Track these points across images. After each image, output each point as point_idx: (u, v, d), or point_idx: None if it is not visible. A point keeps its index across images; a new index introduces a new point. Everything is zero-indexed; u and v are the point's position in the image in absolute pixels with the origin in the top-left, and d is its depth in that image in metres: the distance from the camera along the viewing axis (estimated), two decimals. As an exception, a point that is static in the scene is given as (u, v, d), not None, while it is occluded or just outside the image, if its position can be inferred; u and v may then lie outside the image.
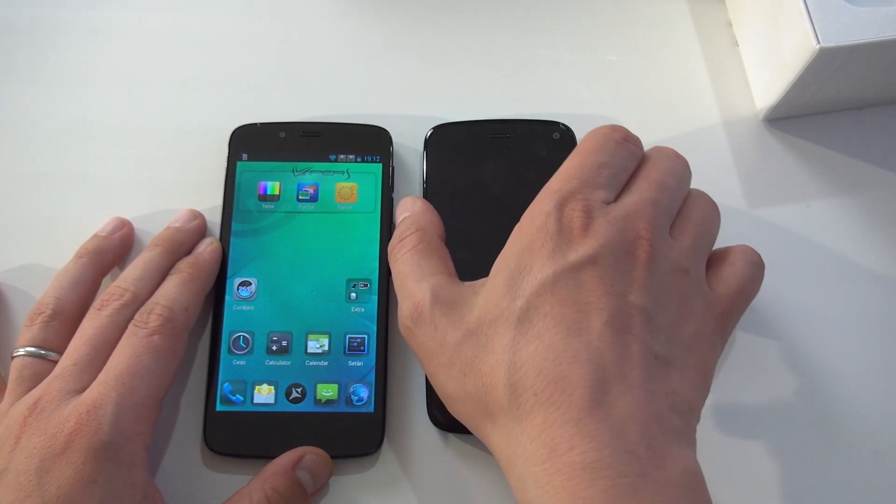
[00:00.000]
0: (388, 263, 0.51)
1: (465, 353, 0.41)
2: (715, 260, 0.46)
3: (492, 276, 0.43)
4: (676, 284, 0.42)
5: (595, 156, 0.45)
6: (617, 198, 0.44)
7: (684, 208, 0.46)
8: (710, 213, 0.47)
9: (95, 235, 0.52)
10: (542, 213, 0.42)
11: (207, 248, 0.51)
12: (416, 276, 0.45)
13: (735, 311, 0.45)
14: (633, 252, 0.41)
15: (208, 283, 0.51)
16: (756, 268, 0.46)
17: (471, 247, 0.52)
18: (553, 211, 0.42)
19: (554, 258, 0.41)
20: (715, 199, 0.54)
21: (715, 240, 0.46)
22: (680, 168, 0.46)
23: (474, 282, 0.44)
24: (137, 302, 0.48)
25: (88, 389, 0.44)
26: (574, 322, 0.39)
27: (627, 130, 0.46)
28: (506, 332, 0.40)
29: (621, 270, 0.41)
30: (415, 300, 0.44)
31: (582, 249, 0.41)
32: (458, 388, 0.41)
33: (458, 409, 0.43)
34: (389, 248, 0.48)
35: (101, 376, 0.44)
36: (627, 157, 0.45)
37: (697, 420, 0.40)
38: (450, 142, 0.55)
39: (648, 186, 0.44)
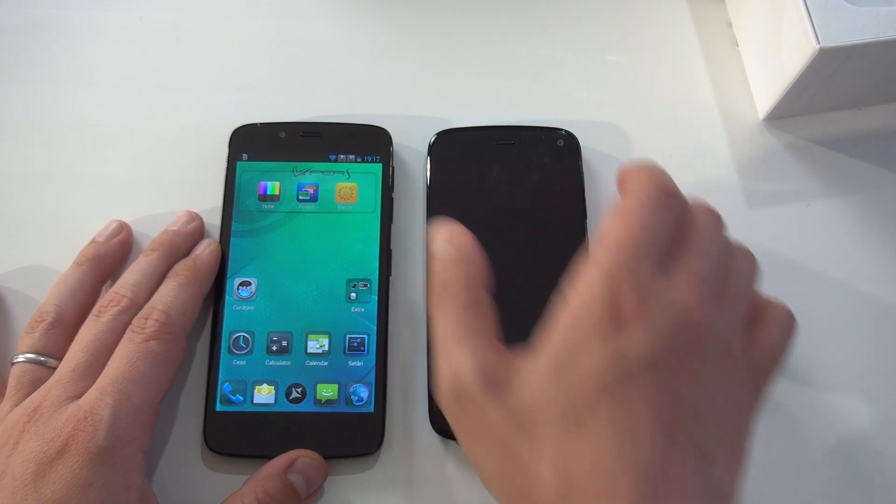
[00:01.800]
0: (388, 263, 0.52)
1: (507, 436, 0.39)
2: (749, 318, 0.43)
3: (539, 358, 0.39)
4: (724, 372, 0.39)
5: (641, 222, 0.40)
6: (663, 266, 0.41)
7: (730, 274, 0.42)
8: (754, 276, 0.44)
9: (94, 241, 0.52)
10: (590, 293, 0.39)
11: (206, 249, 0.51)
12: (459, 336, 0.41)
13: (770, 382, 0.42)
14: (687, 342, 0.38)
15: (206, 285, 0.51)
16: (790, 330, 0.43)
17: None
18: (601, 291, 0.38)
19: (604, 347, 0.37)
20: (715, 200, 0.53)
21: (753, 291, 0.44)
22: (721, 229, 0.43)
23: (518, 352, 0.41)
24: (135, 307, 0.48)
25: (86, 395, 0.44)
26: (622, 419, 0.37)
27: (669, 182, 0.43)
28: (553, 425, 0.38)
29: (674, 363, 0.38)
30: (457, 370, 0.40)
31: (634, 339, 0.37)
32: (496, 470, 0.40)
33: (494, 489, 0.40)
34: (430, 292, 0.44)
35: (98, 382, 0.44)
36: (672, 222, 0.42)
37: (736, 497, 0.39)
38: (453, 148, 0.55)
39: (697, 261, 0.41)
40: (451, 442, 0.50)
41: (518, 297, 0.51)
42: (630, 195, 0.41)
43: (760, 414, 0.41)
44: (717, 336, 0.39)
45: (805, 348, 0.52)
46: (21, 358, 0.47)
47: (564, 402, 0.37)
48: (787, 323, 0.43)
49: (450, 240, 0.43)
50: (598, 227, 0.42)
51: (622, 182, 0.43)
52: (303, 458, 0.47)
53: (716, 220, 0.43)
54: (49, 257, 0.53)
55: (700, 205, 0.44)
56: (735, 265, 0.43)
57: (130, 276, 0.49)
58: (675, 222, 0.42)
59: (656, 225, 0.41)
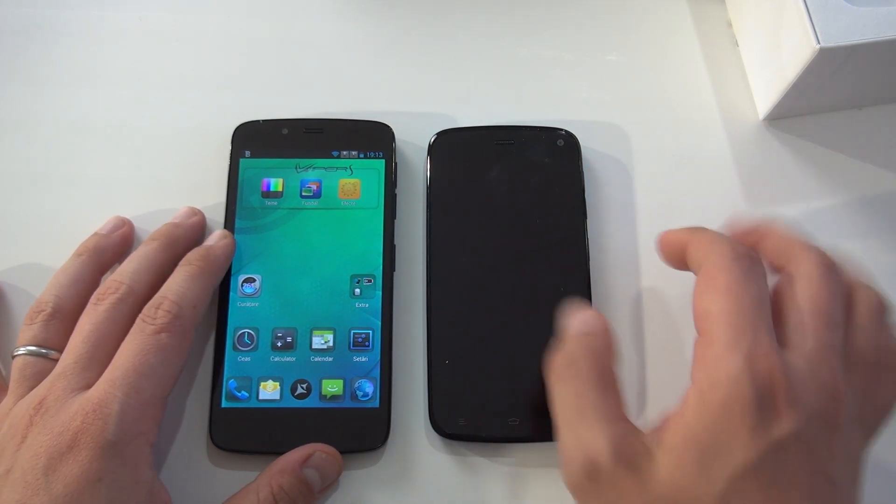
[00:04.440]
0: (391, 259, 0.52)
1: None
2: (866, 374, 0.41)
3: (678, 444, 0.38)
4: (855, 443, 0.39)
5: (747, 294, 0.40)
6: (779, 335, 0.40)
7: (856, 339, 0.41)
8: (884, 316, 0.43)
9: (95, 234, 0.52)
10: (731, 379, 0.37)
11: (220, 241, 0.51)
12: (588, 415, 0.40)
13: (878, 433, 0.41)
14: (829, 417, 0.38)
15: (218, 277, 0.50)
16: None
17: (473, 252, 0.52)
18: (744, 377, 0.37)
19: (757, 436, 0.36)
20: (715, 200, 0.54)
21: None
22: (834, 281, 0.42)
23: (647, 429, 0.40)
24: (134, 295, 0.47)
25: (94, 387, 0.43)
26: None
27: (744, 246, 0.42)
28: None
29: (820, 441, 0.37)
30: (590, 451, 0.39)
31: (787, 424, 0.37)
32: None
33: None
34: (555, 365, 0.43)
35: (106, 374, 0.44)
36: (765, 283, 0.41)
37: None
38: (453, 147, 0.55)
39: (820, 325, 0.40)
40: (454, 441, 0.50)
41: (518, 298, 0.51)
42: (719, 266, 0.41)
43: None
44: (848, 403, 0.39)
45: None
46: (22, 350, 0.47)
47: (717, 495, 0.36)
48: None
49: (580, 319, 0.44)
50: (696, 306, 0.41)
51: (685, 244, 0.44)
52: (319, 452, 0.47)
53: (830, 280, 0.42)
54: (50, 255, 0.53)
55: (812, 259, 0.42)
56: (851, 311, 0.42)
57: (129, 265, 0.49)
58: (765, 279, 0.41)
59: (757, 290, 0.40)
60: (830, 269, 0.42)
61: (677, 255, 0.45)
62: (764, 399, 0.37)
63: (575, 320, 0.44)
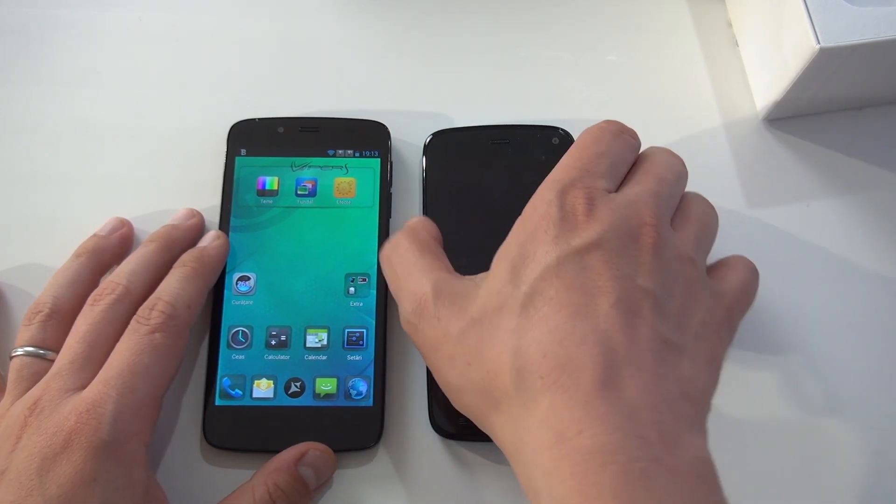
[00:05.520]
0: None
1: (469, 343, 0.40)
2: (714, 265, 0.46)
3: (494, 266, 0.42)
4: (683, 272, 0.41)
5: (594, 147, 0.44)
6: (618, 189, 0.44)
7: (683, 205, 0.45)
8: (709, 212, 0.46)
9: (94, 235, 0.52)
10: (544, 202, 0.42)
11: (213, 242, 0.51)
12: (415, 274, 0.44)
13: (739, 309, 0.44)
14: (639, 238, 0.40)
15: (212, 278, 0.50)
16: (754, 274, 0.46)
17: (471, 252, 0.51)
18: (555, 199, 0.41)
19: (558, 243, 0.40)
20: (715, 200, 0.54)
21: (714, 239, 0.46)
22: (678, 165, 0.46)
23: (475, 276, 0.44)
24: (130, 296, 0.47)
25: (88, 387, 0.43)
26: (580, 305, 0.38)
27: (623, 124, 0.47)
28: (510, 319, 0.39)
29: (627, 255, 0.40)
30: (416, 295, 0.43)
31: (586, 234, 0.40)
32: (462, 379, 0.41)
33: (464, 401, 0.42)
34: (382, 254, 0.47)
35: (101, 374, 0.44)
36: (625, 149, 0.45)
37: (708, 410, 0.39)
38: (449, 147, 0.55)
39: (649, 179, 0.44)
40: (451, 440, 0.50)
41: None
42: (585, 130, 0.46)
43: (731, 348, 0.43)
44: (672, 244, 0.41)
45: (804, 347, 0.52)
46: (20, 351, 0.47)
47: (522, 296, 0.39)
48: (751, 268, 0.46)
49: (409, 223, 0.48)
50: None
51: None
52: (313, 450, 0.47)
53: (676, 160, 0.46)
54: (49, 255, 0.53)
55: (662, 148, 0.47)
56: (694, 202, 0.46)
57: (127, 266, 0.49)
58: (629, 148, 0.46)
59: (607, 148, 0.44)
60: (675, 157, 0.47)
61: None
62: (568, 215, 0.41)
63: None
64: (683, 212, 0.45)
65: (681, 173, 0.46)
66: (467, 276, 0.44)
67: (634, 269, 0.39)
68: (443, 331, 0.41)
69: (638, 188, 0.43)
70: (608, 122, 0.46)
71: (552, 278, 0.39)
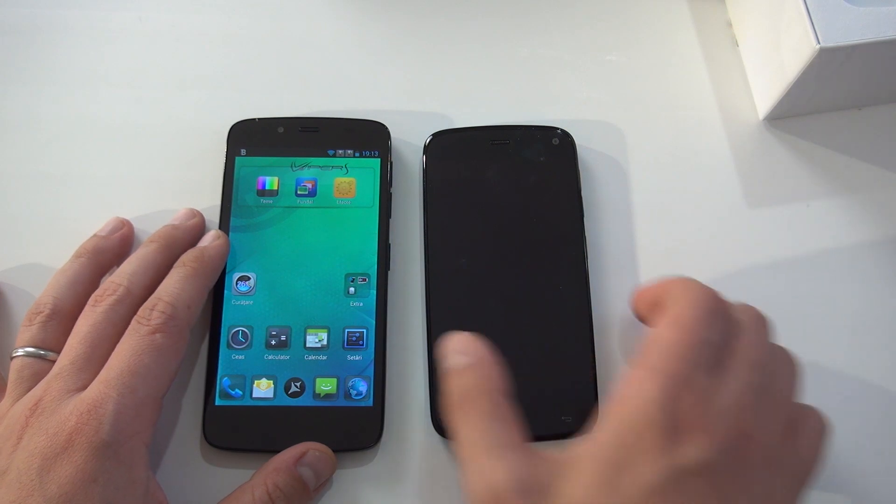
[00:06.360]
0: (386, 258, 0.51)
1: None
2: (789, 424, 0.41)
3: (582, 460, 0.38)
4: (768, 480, 0.39)
5: (699, 332, 0.40)
6: (714, 373, 0.40)
7: (774, 381, 0.42)
8: (795, 382, 0.43)
9: (95, 235, 0.52)
10: (647, 400, 0.38)
11: (214, 242, 0.51)
12: (488, 447, 0.40)
13: (808, 485, 0.41)
14: (744, 455, 0.38)
15: (212, 278, 0.50)
16: (826, 439, 0.43)
17: (470, 253, 0.52)
18: (660, 398, 0.38)
19: (663, 458, 0.37)
20: (715, 200, 0.54)
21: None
22: (765, 334, 0.43)
23: (551, 454, 0.40)
24: (131, 297, 0.47)
25: (89, 388, 0.43)
26: None
27: (721, 296, 0.43)
28: None
29: (732, 476, 0.37)
30: (492, 483, 0.38)
31: (695, 451, 0.37)
32: None
33: None
34: (450, 405, 0.42)
35: (101, 374, 0.44)
36: (725, 333, 0.41)
37: None
38: (449, 148, 0.55)
39: (750, 370, 0.40)
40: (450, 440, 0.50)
41: (515, 297, 0.51)
42: (683, 304, 0.41)
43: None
44: (764, 445, 0.39)
45: (804, 347, 0.52)
46: (20, 352, 0.47)
47: None
48: (823, 430, 0.42)
49: (462, 350, 0.43)
50: (650, 333, 0.41)
51: (662, 293, 0.43)
52: (312, 451, 0.47)
53: (761, 324, 0.43)
54: (50, 255, 0.53)
55: (746, 309, 0.43)
56: (778, 371, 0.42)
57: (127, 266, 0.49)
58: (728, 332, 0.41)
59: (711, 334, 0.40)
60: (763, 324, 0.43)
61: (651, 302, 0.45)
62: (677, 423, 0.37)
63: (453, 344, 0.43)
64: (771, 392, 0.41)
65: (769, 352, 0.43)
66: (543, 454, 0.40)
67: (736, 492, 0.37)
68: None
69: (740, 385, 0.40)
70: (711, 296, 0.42)
71: (657, 500, 0.36)
